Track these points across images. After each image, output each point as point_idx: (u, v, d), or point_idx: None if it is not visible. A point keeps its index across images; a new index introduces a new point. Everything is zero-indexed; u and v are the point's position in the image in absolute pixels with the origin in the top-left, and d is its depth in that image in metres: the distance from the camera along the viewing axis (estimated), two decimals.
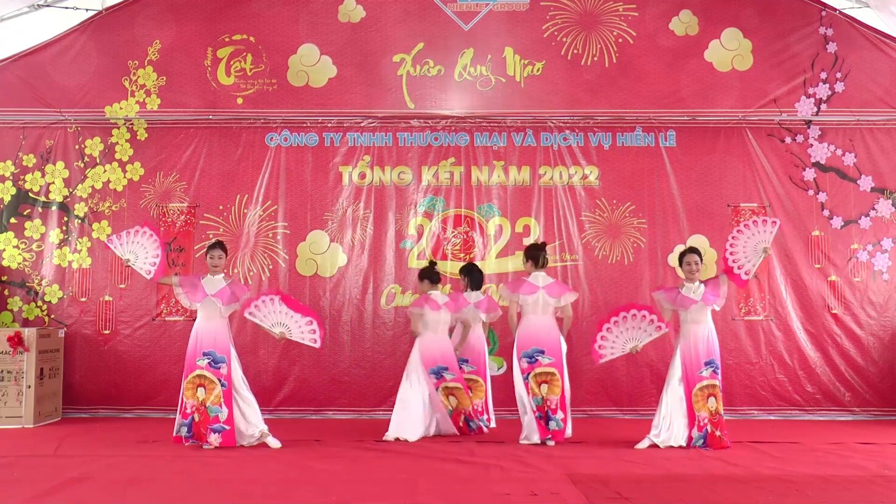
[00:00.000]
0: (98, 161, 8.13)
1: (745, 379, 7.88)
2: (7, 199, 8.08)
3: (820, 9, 8.19)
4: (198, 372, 6.07)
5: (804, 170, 8.12)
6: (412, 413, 6.54)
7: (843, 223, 8.07)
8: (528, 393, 6.23)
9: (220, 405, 6.04)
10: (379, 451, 5.98)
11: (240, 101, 8.18)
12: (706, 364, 6.16)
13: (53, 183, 8.10)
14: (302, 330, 6.29)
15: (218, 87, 8.19)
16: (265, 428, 6.17)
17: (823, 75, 8.14)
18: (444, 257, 8.08)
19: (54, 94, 8.11)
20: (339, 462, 5.56)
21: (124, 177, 8.11)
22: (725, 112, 8.14)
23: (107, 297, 8.02)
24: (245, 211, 8.11)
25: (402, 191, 8.18)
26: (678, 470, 5.32)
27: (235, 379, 6.14)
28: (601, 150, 8.18)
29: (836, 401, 7.88)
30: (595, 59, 8.22)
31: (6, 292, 8.04)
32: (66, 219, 8.10)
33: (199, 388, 6.04)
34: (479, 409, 6.96)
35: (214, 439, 6.00)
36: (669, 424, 6.15)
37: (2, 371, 7.23)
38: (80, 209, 8.08)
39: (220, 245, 6.35)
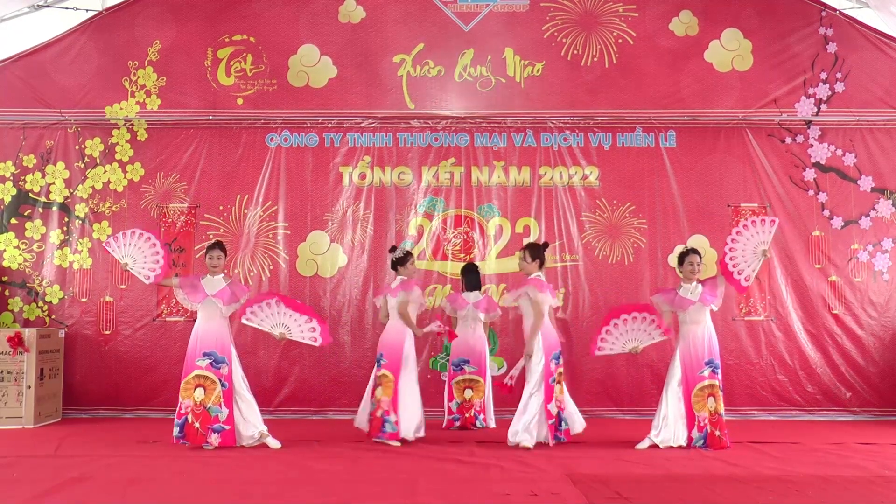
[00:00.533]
0: (98, 161, 8.14)
1: (746, 379, 7.87)
2: (7, 199, 8.08)
3: (820, 9, 8.19)
4: (197, 372, 6.07)
5: (804, 170, 8.12)
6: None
7: (843, 223, 8.07)
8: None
9: (221, 405, 6.05)
10: (379, 451, 5.98)
11: (240, 101, 8.19)
12: (706, 364, 6.16)
13: (54, 183, 8.10)
14: (302, 329, 6.29)
15: (218, 88, 8.19)
16: (265, 429, 6.17)
17: (823, 75, 8.14)
18: (445, 257, 8.09)
19: (54, 94, 8.12)
20: (339, 462, 5.56)
21: (125, 177, 8.11)
22: (725, 112, 8.14)
23: (107, 298, 8.02)
24: (245, 211, 8.11)
25: (402, 191, 8.18)
26: (678, 470, 5.32)
27: (236, 379, 6.15)
28: (601, 151, 8.18)
29: (836, 401, 7.87)
30: (595, 59, 8.22)
31: (7, 293, 8.04)
32: (66, 219, 8.10)
33: (197, 389, 6.04)
34: (479, 409, 7.01)
35: (214, 439, 6.00)
36: (669, 425, 6.15)
37: (2, 371, 7.24)
38: (80, 210, 8.09)
39: (219, 245, 6.36)
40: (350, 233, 8.10)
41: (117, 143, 8.15)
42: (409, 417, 6.27)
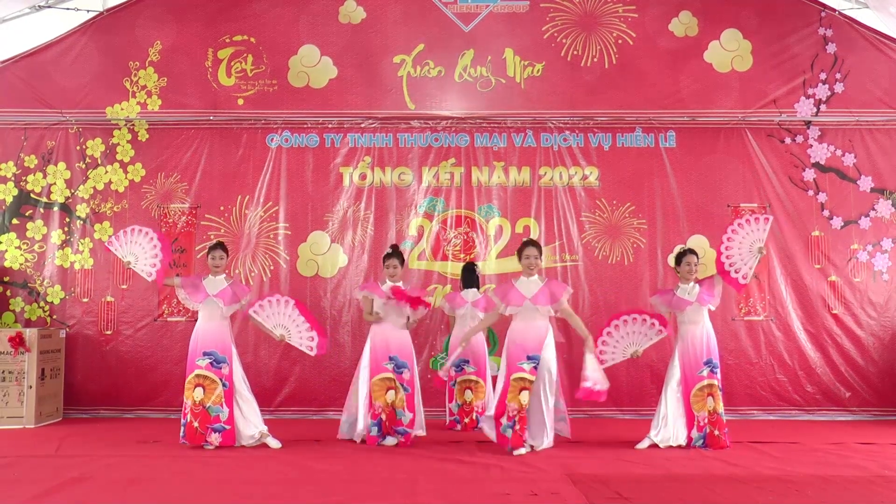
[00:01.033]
0: (99, 162, 8.15)
1: (746, 379, 7.88)
2: (9, 200, 8.09)
3: (819, 9, 8.20)
4: (197, 372, 6.09)
5: (804, 170, 8.13)
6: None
7: (842, 223, 8.07)
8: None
9: (221, 405, 6.07)
10: (379, 452, 5.99)
11: (240, 101, 8.20)
12: (704, 364, 6.17)
13: (55, 184, 8.12)
14: (301, 335, 6.34)
15: (219, 88, 8.20)
16: (265, 429, 6.19)
17: (823, 76, 8.15)
18: (445, 258, 8.10)
19: (55, 94, 8.13)
20: (339, 462, 5.57)
21: (126, 178, 8.12)
22: (725, 113, 8.15)
23: (109, 298, 8.03)
24: (246, 212, 8.12)
25: (402, 191, 8.19)
26: (678, 470, 5.33)
27: (237, 379, 6.17)
28: (601, 151, 8.18)
29: (836, 401, 7.88)
30: (595, 60, 8.23)
31: (8, 293, 8.06)
32: (67, 220, 8.11)
33: (196, 388, 6.06)
34: (479, 410, 6.99)
35: (214, 439, 6.02)
36: (669, 424, 6.16)
37: (3, 371, 7.25)
38: (81, 210, 8.10)
39: (221, 246, 6.38)
40: (350, 233, 8.11)
41: (118, 144, 8.16)
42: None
